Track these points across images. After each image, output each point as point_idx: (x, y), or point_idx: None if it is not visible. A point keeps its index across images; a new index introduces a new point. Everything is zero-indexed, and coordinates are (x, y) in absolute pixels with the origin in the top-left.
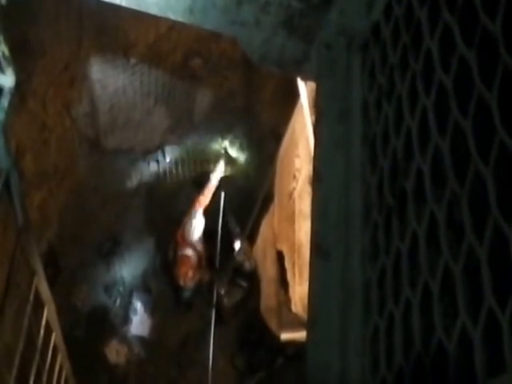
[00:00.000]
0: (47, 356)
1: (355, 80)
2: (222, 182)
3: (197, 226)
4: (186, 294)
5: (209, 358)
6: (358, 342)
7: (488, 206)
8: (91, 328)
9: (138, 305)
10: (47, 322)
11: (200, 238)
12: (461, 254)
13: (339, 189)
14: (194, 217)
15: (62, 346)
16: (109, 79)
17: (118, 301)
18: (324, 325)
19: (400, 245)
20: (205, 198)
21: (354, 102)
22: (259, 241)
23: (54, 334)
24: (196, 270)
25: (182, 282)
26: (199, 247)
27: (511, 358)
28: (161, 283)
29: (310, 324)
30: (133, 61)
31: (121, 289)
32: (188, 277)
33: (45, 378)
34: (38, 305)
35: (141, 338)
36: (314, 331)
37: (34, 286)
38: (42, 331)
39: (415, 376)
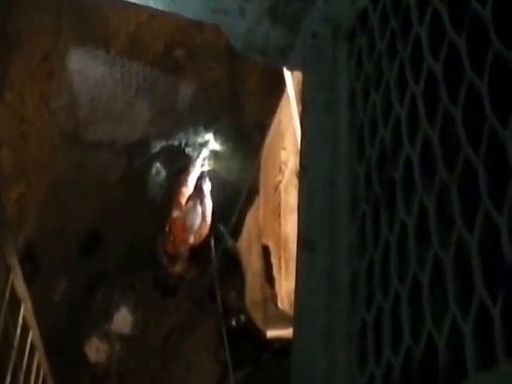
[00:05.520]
0: (24, 355)
1: (342, 69)
2: (205, 174)
3: (190, 216)
4: (172, 283)
5: (193, 353)
6: (345, 337)
7: (479, 194)
8: (71, 324)
9: (121, 301)
10: (24, 320)
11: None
12: (451, 244)
13: (326, 180)
14: (184, 208)
15: (39, 345)
16: (89, 70)
17: (100, 296)
18: (310, 319)
19: (388, 236)
20: (187, 189)
21: (341, 92)
22: (244, 234)
23: (31, 332)
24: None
25: (172, 251)
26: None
27: (502, 351)
28: (144, 278)
29: (296, 318)
30: (113, 51)
31: (103, 284)
32: (181, 250)
33: (22, 378)
34: (15, 302)
35: (123, 335)
36: (300, 326)
37: (10, 283)
38: (18, 329)
39: (405, 370)
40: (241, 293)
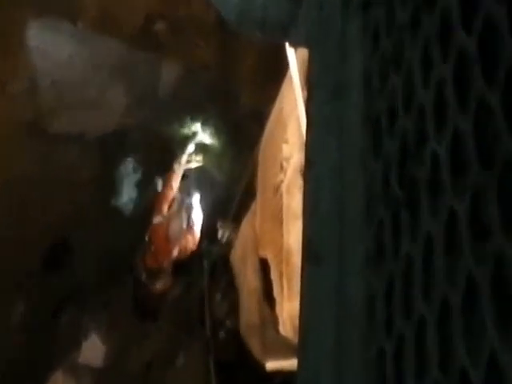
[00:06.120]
0: None
1: (354, 46)
2: (193, 173)
3: (173, 223)
4: (153, 303)
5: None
6: (357, 367)
7: None
8: (31, 356)
9: (91, 325)
10: None
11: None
12: (488, 258)
13: (335, 179)
14: (168, 213)
15: None
16: (52, 48)
17: (66, 321)
18: (317, 346)
19: (411, 247)
20: (171, 192)
21: (353, 73)
22: (238, 245)
23: None
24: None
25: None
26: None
27: None
28: (120, 297)
29: (301, 345)
30: (81, 25)
31: (70, 306)
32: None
33: None
34: None
35: (93, 367)
36: (305, 354)
37: None
38: None
39: None
40: (226, 295)
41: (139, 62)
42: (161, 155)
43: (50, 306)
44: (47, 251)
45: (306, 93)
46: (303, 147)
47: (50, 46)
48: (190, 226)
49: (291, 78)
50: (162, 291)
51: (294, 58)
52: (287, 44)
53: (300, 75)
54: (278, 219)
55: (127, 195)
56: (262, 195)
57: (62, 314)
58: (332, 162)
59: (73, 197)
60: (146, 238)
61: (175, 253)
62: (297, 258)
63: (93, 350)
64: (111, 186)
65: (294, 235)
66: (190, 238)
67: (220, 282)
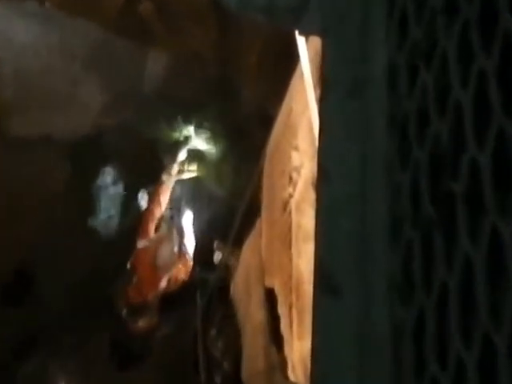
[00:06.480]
0: None
1: (377, 35)
2: (185, 185)
3: (163, 248)
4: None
5: None
6: None
7: None
8: None
9: (60, 372)
10: None
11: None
12: None
13: (355, 193)
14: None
15: None
16: (12, 31)
17: (30, 365)
18: None
19: (446, 275)
20: (159, 209)
21: (376, 68)
22: (239, 273)
23: None
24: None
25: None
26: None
27: None
28: (95, 339)
29: None
30: (49, 4)
31: (35, 347)
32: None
33: None
34: None
35: None
36: None
37: None
38: None
39: None
40: (222, 330)
41: (119, 50)
42: (146, 164)
43: (9, 347)
44: (7, 280)
45: (319, 91)
46: (316, 155)
47: (10, 29)
48: (181, 252)
49: (302, 73)
50: (147, 330)
51: (305, 48)
52: (297, 32)
53: (312, 69)
54: (286, 241)
55: (105, 213)
56: (267, 212)
57: (24, 357)
58: (351, 172)
59: (38, 214)
60: (129, 266)
61: (163, 283)
62: (309, 287)
63: None
64: (85, 202)
65: (305, 260)
66: (181, 265)
67: (215, 315)
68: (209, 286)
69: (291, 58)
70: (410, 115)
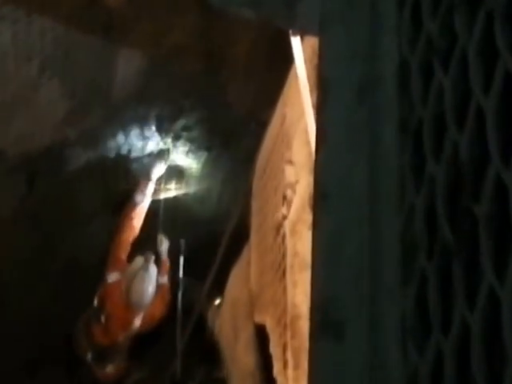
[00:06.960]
0: None
1: (386, 31)
2: (162, 206)
3: (136, 282)
4: None
5: None
6: None
7: None
8: None
9: None
10: None
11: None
12: None
13: (359, 216)
14: (124, 269)
15: None
16: None
17: None
18: None
19: (467, 314)
20: (131, 234)
21: (384, 68)
22: (225, 308)
23: None
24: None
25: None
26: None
27: None
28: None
29: None
30: None
31: None
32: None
33: None
34: None
35: None
36: None
37: None
38: None
39: None
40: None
41: (83, 49)
42: (115, 181)
43: None
44: None
45: (316, 94)
46: (313, 170)
47: None
48: (159, 286)
49: (296, 74)
50: (115, 378)
51: (301, 50)
52: (290, 31)
53: (308, 71)
54: (280, 270)
55: (68, 239)
56: (257, 237)
57: None
58: (356, 190)
59: None
60: (95, 303)
61: (137, 323)
62: (306, 323)
63: None
64: (44, 226)
65: (302, 291)
66: (158, 301)
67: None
68: (189, 325)
69: (285, 57)
70: (423, 124)
